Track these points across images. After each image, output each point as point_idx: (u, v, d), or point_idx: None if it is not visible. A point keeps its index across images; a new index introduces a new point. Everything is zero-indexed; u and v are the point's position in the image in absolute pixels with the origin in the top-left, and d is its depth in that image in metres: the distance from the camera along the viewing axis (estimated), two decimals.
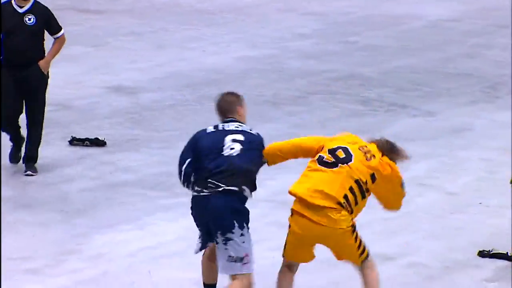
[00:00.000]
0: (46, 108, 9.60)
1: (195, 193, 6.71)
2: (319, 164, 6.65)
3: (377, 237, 8.22)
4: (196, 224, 6.81)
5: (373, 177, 6.61)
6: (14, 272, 7.00)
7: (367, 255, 6.69)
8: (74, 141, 10.36)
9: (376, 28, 15.85)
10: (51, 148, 10.12)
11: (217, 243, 6.61)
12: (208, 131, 6.89)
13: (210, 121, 11.14)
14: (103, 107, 11.73)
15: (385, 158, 6.68)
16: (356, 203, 6.58)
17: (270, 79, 13.01)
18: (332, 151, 6.67)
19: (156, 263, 7.68)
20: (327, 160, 6.63)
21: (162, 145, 10.45)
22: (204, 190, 6.65)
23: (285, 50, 14.47)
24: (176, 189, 9.17)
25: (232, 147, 6.73)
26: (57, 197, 8.98)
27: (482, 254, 7.99)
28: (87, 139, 10.35)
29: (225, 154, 6.69)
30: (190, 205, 8.60)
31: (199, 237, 6.80)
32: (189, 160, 6.79)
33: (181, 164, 6.86)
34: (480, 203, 9.16)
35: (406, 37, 15.38)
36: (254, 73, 13.25)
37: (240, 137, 6.82)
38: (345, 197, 6.51)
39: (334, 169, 6.59)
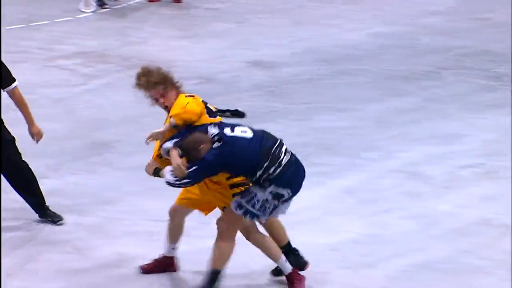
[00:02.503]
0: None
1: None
2: None
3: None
4: (293, 190, 6.58)
5: None
6: (160, 235, 7.18)
7: None
8: (218, 113, 10.50)
9: (510, 4, 15.49)
10: None
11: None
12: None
13: (345, 95, 11.25)
14: (244, 81, 11.85)
15: None
16: None
17: (404, 55, 12.90)
18: None
19: (293, 229, 7.74)
20: None
21: (299, 117, 10.52)
22: (288, 154, 6.56)
23: (418, 26, 14.31)
24: (312, 159, 9.24)
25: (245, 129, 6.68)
26: None
27: None
28: (228, 110, 10.49)
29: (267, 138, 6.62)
30: (319, 175, 8.70)
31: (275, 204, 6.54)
32: None
33: None
34: None
35: None
36: (388, 49, 13.17)
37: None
38: None
39: None
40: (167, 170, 6.26)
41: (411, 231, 7.78)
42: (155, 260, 6.91)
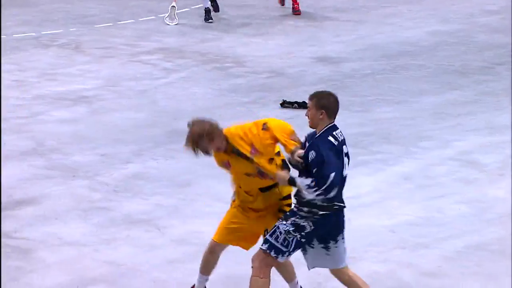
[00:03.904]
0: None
1: (336, 207, 5.70)
2: None
3: None
4: (320, 236, 5.75)
5: None
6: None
7: None
8: (285, 104, 10.51)
9: None
10: (266, 109, 10.33)
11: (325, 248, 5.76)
12: (335, 143, 5.62)
13: (403, 88, 11.13)
14: (310, 75, 11.81)
15: None
16: None
17: (459, 51, 12.73)
18: None
19: (355, 211, 7.70)
20: None
21: (361, 109, 10.45)
22: (342, 204, 5.76)
23: (474, 25, 14.10)
24: (372, 147, 9.18)
25: (346, 162, 5.70)
26: None
27: None
28: (296, 102, 10.47)
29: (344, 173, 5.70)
30: (379, 163, 8.61)
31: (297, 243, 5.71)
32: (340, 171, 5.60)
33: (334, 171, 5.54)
34: None
35: None
36: (445, 45, 13.00)
37: (346, 149, 5.72)
38: None
39: None
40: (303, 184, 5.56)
41: (465, 215, 7.68)
42: None
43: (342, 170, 5.62)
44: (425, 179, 8.43)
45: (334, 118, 5.70)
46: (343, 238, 5.84)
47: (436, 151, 9.10)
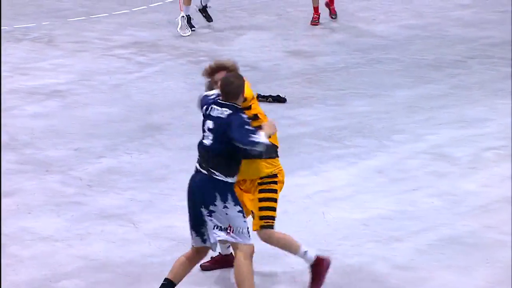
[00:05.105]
0: None
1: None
2: None
3: None
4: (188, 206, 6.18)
5: None
6: None
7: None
8: (259, 98, 10.51)
9: None
10: None
11: (204, 220, 6.07)
12: (207, 110, 6.13)
13: (377, 82, 11.18)
14: (284, 69, 11.83)
15: None
16: None
17: (432, 45, 12.79)
18: None
19: (328, 205, 7.75)
20: None
21: (335, 102, 10.48)
22: (197, 166, 6.17)
23: (446, 18, 14.17)
24: (346, 141, 9.22)
25: (207, 135, 6.09)
26: None
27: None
28: (270, 96, 10.49)
29: (204, 143, 6.09)
30: (352, 156, 8.67)
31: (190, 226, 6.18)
32: None
33: None
34: None
35: None
36: (418, 39, 13.06)
37: (211, 124, 6.07)
38: None
39: None
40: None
41: (438, 208, 7.74)
42: (212, 258, 6.66)
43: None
44: (398, 172, 8.48)
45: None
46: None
47: (409, 145, 9.16)
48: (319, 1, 13.75)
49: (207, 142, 6.07)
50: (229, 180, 6.07)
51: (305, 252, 6.35)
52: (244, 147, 5.93)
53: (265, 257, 6.64)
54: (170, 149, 8.98)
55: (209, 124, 6.07)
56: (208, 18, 13.42)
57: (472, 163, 8.72)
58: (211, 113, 6.08)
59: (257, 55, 12.29)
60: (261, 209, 6.24)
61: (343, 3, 14.98)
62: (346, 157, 8.81)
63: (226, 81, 6.08)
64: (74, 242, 7.08)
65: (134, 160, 8.76)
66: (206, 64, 6.38)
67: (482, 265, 6.79)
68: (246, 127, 5.93)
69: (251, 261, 6.06)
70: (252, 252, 6.09)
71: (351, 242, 7.09)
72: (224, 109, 6.04)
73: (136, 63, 11.97)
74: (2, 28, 13.36)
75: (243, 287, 6.02)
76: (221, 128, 6.00)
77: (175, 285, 6.14)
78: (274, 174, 6.31)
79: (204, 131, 6.11)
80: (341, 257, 6.79)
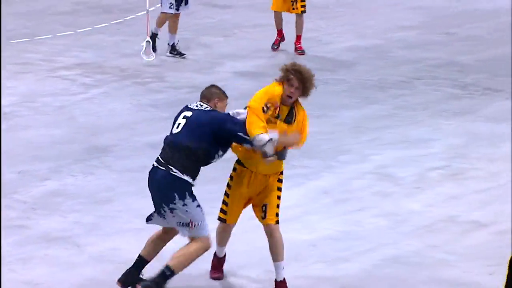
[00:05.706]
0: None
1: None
2: None
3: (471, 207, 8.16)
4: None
5: None
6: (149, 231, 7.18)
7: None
8: None
9: (475, 21, 15.54)
10: None
11: (165, 213, 6.28)
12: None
13: (322, 103, 11.24)
14: (231, 90, 11.75)
15: None
16: None
17: (377, 66, 12.93)
18: None
19: None
20: None
21: None
22: (155, 162, 6.32)
23: (391, 40, 14.34)
24: (292, 162, 9.23)
25: (179, 123, 6.32)
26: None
27: None
28: None
29: (173, 131, 6.32)
30: (298, 177, 8.72)
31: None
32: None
33: None
34: None
35: (502, 29, 15.03)
36: (363, 60, 13.19)
37: (188, 113, 6.32)
38: None
39: None
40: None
41: (383, 228, 7.81)
42: (215, 266, 6.90)
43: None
44: (344, 193, 8.54)
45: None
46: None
47: (355, 165, 9.23)
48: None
49: (176, 132, 6.27)
50: (185, 177, 6.21)
51: (283, 267, 6.63)
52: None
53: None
54: (115, 171, 8.93)
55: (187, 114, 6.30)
56: (154, 49, 13.24)
57: (416, 183, 8.82)
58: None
59: (203, 76, 12.26)
60: (278, 206, 6.68)
61: (286, 23, 15.09)
62: (293, 177, 8.84)
63: None
64: (16, 267, 6.99)
65: (79, 183, 8.69)
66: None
67: (426, 284, 6.85)
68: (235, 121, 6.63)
69: (202, 254, 6.33)
70: (208, 247, 6.36)
71: (299, 263, 7.12)
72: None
73: (81, 84, 11.89)
74: None
75: (180, 264, 6.20)
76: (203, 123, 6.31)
77: (147, 261, 6.43)
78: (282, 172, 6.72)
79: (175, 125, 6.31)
80: (289, 278, 6.79)
